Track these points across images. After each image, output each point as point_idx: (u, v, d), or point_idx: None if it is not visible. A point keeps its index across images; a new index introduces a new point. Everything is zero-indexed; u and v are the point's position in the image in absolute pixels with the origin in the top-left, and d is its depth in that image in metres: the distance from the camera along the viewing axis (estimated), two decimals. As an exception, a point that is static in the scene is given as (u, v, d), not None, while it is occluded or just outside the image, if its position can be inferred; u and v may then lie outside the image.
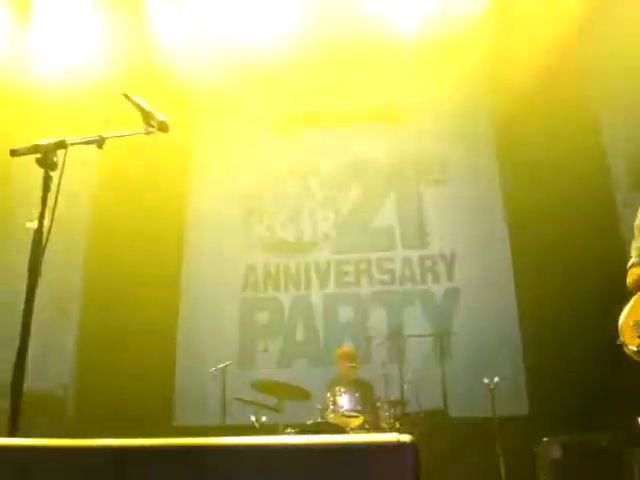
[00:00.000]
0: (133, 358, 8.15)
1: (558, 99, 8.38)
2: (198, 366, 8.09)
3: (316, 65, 9.19)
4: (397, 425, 6.38)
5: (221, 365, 6.92)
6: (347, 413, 6.40)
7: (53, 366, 8.67)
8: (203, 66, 9.22)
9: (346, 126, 9.73)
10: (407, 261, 9.03)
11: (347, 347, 7.57)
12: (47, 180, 2.59)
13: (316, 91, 9.68)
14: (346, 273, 9.11)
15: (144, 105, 3.05)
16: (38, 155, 2.60)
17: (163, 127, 3.07)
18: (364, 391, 6.68)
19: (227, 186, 9.67)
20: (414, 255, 9.05)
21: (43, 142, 2.61)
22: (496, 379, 6.85)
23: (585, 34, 8.21)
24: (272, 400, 6.66)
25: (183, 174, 9.74)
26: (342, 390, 6.50)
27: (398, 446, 1.47)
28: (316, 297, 9.05)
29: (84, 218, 9.33)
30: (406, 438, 1.49)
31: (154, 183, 8.76)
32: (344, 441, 1.62)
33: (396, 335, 7.67)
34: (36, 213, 2.52)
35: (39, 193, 2.59)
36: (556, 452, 6.10)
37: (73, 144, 2.69)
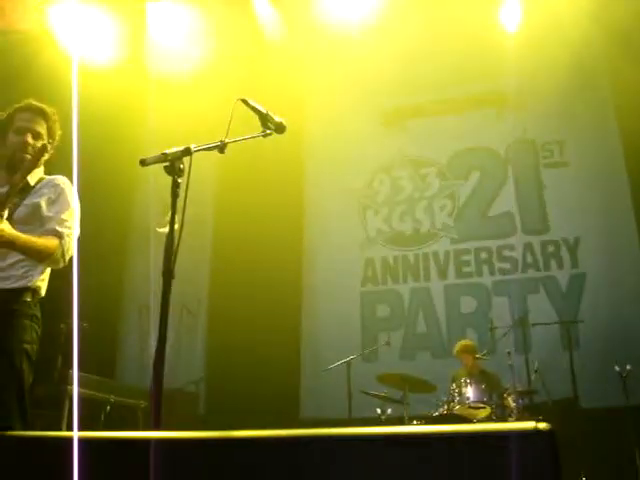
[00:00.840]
0: (259, 355, 8.35)
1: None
2: (322, 360, 8.18)
3: (423, 55, 9.10)
4: (525, 416, 6.24)
5: (346, 359, 6.99)
6: (473, 404, 6.33)
7: (184, 364, 9.04)
8: (311, 65, 9.35)
9: (458, 114, 9.58)
10: (529, 247, 8.80)
11: (465, 341, 7.47)
12: (175, 187, 2.69)
13: (424, 81, 9.58)
14: (466, 263, 8.99)
15: (261, 108, 3.13)
16: (166, 163, 2.71)
17: (280, 128, 3.15)
18: (490, 382, 6.58)
19: (341, 183, 9.74)
20: (536, 241, 8.80)
21: (170, 151, 2.72)
22: (628, 367, 6.59)
23: None
24: (397, 393, 6.69)
25: (299, 174, 9.88)
26: (468, 381, 6.44)
27: (536, 434, 1.46)
28: (436, 288, 8.98)
29: (209, 221, 9.68)
30: (544, 425, 1.47)
31: (272, 182, 8.94)
32: (481, 429, 1.61)
33: (521, 324, 7.50)
34: (167, 218, 2.62)
35: (168, 198, 2.70)
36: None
37: (197, 150, 2.79)
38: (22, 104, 3.65)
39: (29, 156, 3.52)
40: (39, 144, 3.58)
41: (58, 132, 3.71)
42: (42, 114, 3.62)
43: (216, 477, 1.84)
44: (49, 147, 3.66)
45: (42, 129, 3.61)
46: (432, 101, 9.74)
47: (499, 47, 8.76)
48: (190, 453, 1.89)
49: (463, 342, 7.35)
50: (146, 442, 1.87)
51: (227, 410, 8.04)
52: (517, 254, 8.82)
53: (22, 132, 3.56)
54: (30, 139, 3.55)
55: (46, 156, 3.68)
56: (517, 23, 8.58)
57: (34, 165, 3.27)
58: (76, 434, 1.94)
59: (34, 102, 3.66)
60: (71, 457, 1.87)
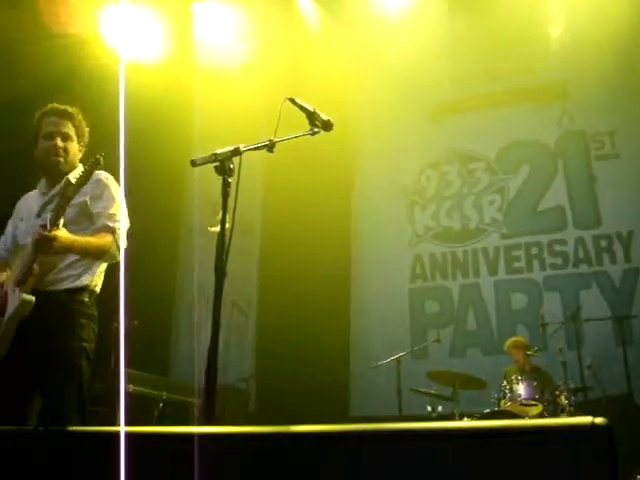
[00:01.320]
0: (309, 353, 8.38)
1: None
2: (371, 358, 8.17)
3: (470, 48, 9.04)
4: (579, 413, 6.15)
5: (395, 356, 6.98)
6: (525, 401, 6.27)
7: (235, 361, 9.13)
8: (358, 61, 9.34)
9: (505, 108, 9.46)
10: (580, 242, 8.64)
11: (517, 337, 7.39)
12: (226, 186, 2.72)
13: (471, 75, 9.50)
14: (516, 258, 8.87)
15: (309, 107, 3.14)
16: (216, 163, 2.74)
17: (328, 126, 3.16)
18: (542, 379, 6.51)
19: (390, 179, 9.71)
20: (587, 235, 8.63)
21: (220, 151, 2.75)
22: (685, 362, 6.46)
23: None
24: (447, 390, 6.65)
25: (347, 169, 9.86)
26: (519, 378, 6.37)
27: (592, 429, 1.44)
28: (486, 284, 8.89)
29: (257, 219, 9.74)
30: (600, 420, 1.45)
31: (319, 180, 8.94)
32: (538, 424, 1.60)
33: (573, 320, 7.38)
34: (218, 217, 2.65)
35: (217, 198, 2.72)
36: None
37: (247, 150, 2.81)
38: (46, 109, 3.73)
39: (61, 159, 3.62)
40: (69, 145, 3.66)
41: (86, 129, 3.78)
42: (67, 115, 3.69)
43: (262, 472, 1.86)
44: (81, 147, 3.74)
45: (69, 130, 3.68)
46: (479, 95, 9.63)
47: (545, 38, 8.67)
48: (235, 448, 1.91)
49: (515, 338, 7.28)
50: (191, 437, 1.89)
51: (277, 408, 8.08)
52: (568, 249, 8.67)
53: (51, 136, 3.63)
54: (59, 142, 3.63)
55: (79, 155, 3.76)
56: (562, 14, 8.47)
57: (86, 179, 3.31)
58: (123, 428, 1.99)
59: (57, 105, 3.73)
60: (118, 450, 1.92)
